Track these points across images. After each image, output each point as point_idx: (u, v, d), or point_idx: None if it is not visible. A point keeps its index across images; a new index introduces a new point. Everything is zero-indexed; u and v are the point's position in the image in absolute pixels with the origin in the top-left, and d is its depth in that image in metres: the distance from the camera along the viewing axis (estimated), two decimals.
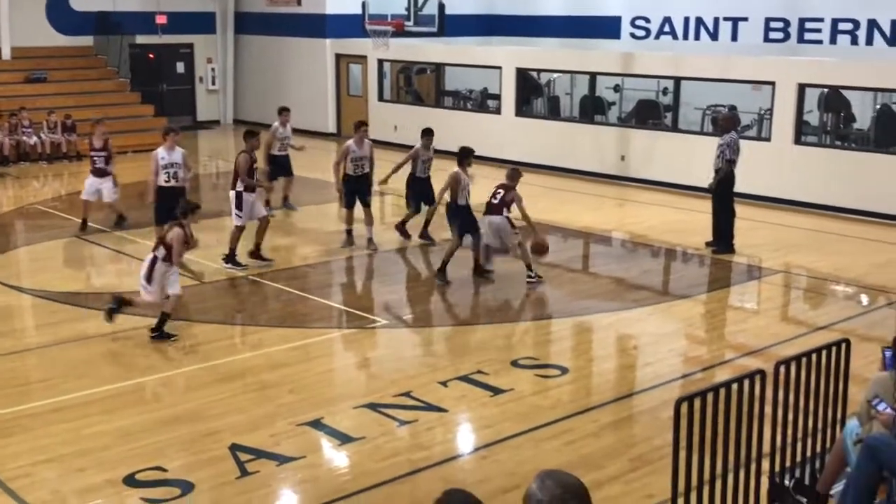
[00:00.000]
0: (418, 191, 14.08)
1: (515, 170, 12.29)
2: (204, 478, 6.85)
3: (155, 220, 12.57)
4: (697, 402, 5.15)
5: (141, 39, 25.24)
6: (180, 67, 26.86)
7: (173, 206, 10.72)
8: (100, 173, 14.65)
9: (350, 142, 13.79)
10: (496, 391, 8.52)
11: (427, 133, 14.18)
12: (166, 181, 12.62)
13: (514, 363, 9.28)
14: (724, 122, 13.95)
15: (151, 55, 25.93)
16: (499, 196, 11.94)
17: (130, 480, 6.82)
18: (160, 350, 9.73)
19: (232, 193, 12.62)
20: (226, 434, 7.58)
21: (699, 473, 5.21)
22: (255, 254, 12.80)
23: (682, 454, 5.17)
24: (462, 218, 12.14)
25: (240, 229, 12.53)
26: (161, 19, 24.83)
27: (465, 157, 12.40)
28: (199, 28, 26.52)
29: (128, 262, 13.03)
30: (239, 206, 12.51)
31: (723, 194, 13.42)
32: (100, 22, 24.69)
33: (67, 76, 23.70)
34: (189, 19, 25.92)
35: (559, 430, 7.76)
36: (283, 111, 16.38)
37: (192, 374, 9.00)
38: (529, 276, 11.95)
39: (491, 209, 11.94)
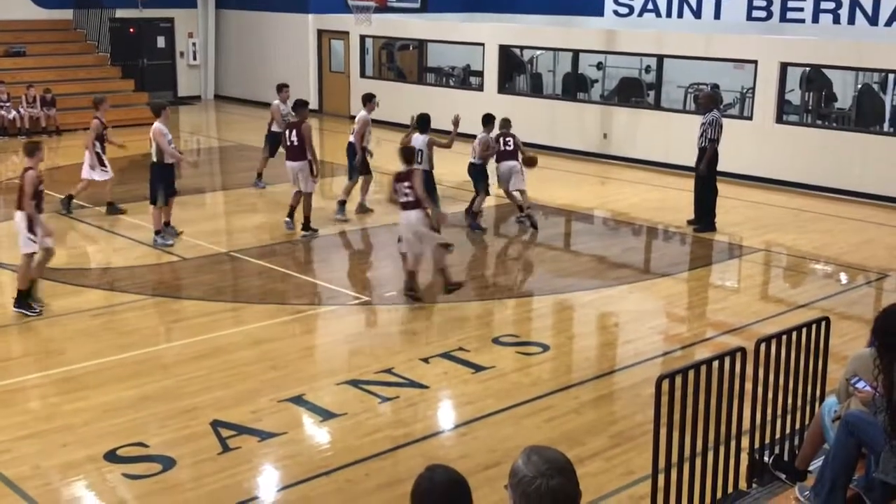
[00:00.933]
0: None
1: (507, 119, 14.02)
2: (185, 454, 6.86)
3: (162, 197, 12.49)
4: (678, 380, 5.18)
5: (121, 13, 24.96)
6: (161, 42, 26.61)
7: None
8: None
9: (366, 113, 14.24)
10: (477, 368, 8.55)
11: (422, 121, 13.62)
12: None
13: (496, 340, 9.31)
14: (705, 101, 13.99)
15: (132, 29, 25.67)
16: (510, 142, 13.65)
17: (111, 456, 6.81)
18: (141, 326, 9.70)
19: (19, 215, 9.88)
20: (207, 410, 7.57)
21: (680, 450, 5.25)
22: (306, 225, 13.06)
23: (663, 431, 5.21)
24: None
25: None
26: None
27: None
28: (180, 2, 26.25)
29: (108, 238, 12.96)
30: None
31: (713, 175, 13.47)
32: None
33: (47, 50, 23.43)
34: None
35: (540, 407, 7.80)
36: (283, 87, 16.22)
37: (173, 351, 8.98)
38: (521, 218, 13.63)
39: (508, 156, 13.64)
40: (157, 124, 12.33)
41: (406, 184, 10.24)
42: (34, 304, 9.94)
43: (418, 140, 12.74)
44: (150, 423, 7.38)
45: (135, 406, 7.67)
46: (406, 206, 10.25)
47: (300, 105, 13.43)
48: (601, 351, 9.42)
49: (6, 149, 19.45)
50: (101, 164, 13.94)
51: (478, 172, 13.87)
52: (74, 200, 14.17)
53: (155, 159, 12.40)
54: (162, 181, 12.45)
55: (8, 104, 20.63)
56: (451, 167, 18.17)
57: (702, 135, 13.33)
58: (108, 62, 24.38)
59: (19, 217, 9.86)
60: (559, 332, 9.89)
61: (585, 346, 9.53)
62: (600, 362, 9.02)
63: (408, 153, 10.82)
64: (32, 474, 6.58)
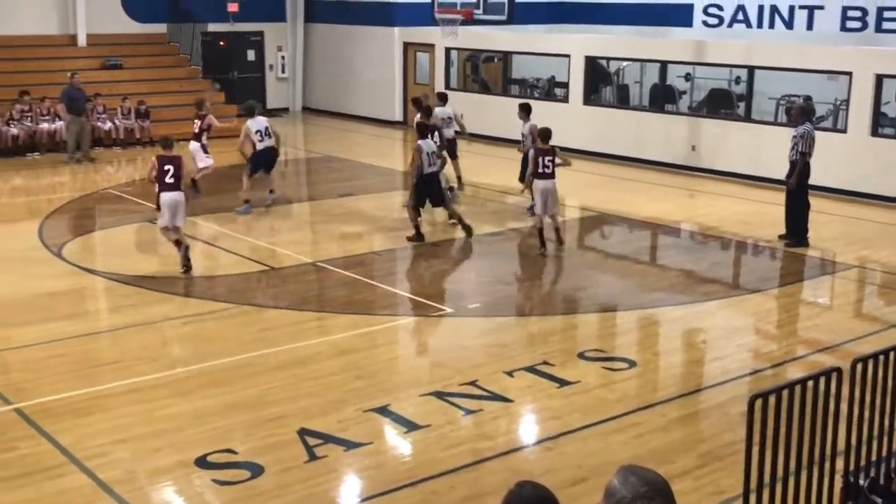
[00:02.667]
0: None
1: (546, 129, 12.90)
2: (273, 461, 6.95)
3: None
4: (772, 399, 5.05)
5: (213, 27, 25.57)
6: (251, 55, 27.15)
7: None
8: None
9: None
10: (562, 383, 8.49)
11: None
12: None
13: (581, 355, 9.23)
14: (797, 113, 13.67)
15: (223, 43, 26.26)
16: (550, 163, 12.64)
17: (202, 462, 6.95)
18: (229, 334, 9.89)
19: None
20: (294, 418, 7.67)
21: (772, 471, 5.12)
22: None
23: (755, 451, 5.08)
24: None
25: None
26: (233, 7, 25.09)
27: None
28: (270, 16, 26.77)
29: (200, 246, 13.24)
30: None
31: (797, 186, 13.16)
32: (173, 10, 25.09)
33: (141, 63, 24.12)
34: (260, 7, 26.18)
35: (626, 424, 7.70)
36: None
37: (261, 359, 9.11)
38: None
39: (546, 176, 12.64)
40: (248, 122, 15.03)
41: (549, 157, 12.49)
42: None
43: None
44: (238, 430, 7.51)
45: (224, 413, 7.82)
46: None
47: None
48: (689, 368, 9.26)
49: (102, 159, 20.05)
50: (206, 152, 15.96)
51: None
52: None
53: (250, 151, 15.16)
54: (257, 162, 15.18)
55: (104, 115, 21.26)
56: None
57: (793, 147, 13.05)
58: (199, 75, 24.98)
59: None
60: (646, 348, 9.76)
61: (673, 362, 9.38)
62: (688, 379, 8.87)
63: (544, 133, 12.62)
64: (126, 478, 6.75)
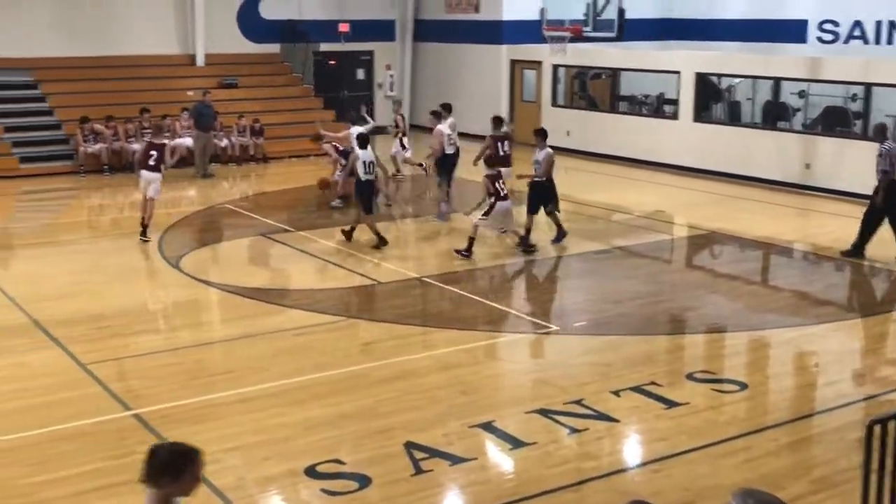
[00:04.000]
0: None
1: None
2: (380, 473, 7.04)
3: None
4: (891, 425, 4.89)
5: (324, 47, 26.15)
6: (360, 74, 27.66)
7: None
8: None
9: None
10: (670, 404, 8.36)
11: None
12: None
13: (689, 376, 9.08)
14: (875, 133, 13.71)
15: (333, 62, 26.81)
16: (503, 185, 13.38)
17: (311, 472, 7.09)
18: (337, 346, 10.07)
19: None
20: (400, 431, 7.76)
21: (891, 498, 4.95)
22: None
23: (873, 477, 4.93)
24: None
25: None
26: (344, 28, 25.63)
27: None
28: (380, 35, 27.23)
29: (309, 260, 13.52)
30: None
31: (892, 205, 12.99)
32: (287, 30, 25.73)
33: (256, 82, 24.80)
34: (370, 27, 26.66)
35: (736, 447, 7.54)
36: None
37: (368, 371, 9.24)
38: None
39: (504, 197, 13.28)
40: (440, 125, 16.17)
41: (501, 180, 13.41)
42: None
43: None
44: (346, 442, 7.63)
45: (332, 423, 7.96)
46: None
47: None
48: (801, 391, 9.01)
49: (219, 175, 20.67)
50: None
51: (545, 190, 13.94)
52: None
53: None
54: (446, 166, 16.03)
55: (221, 133, 21.93)
56: (639, 196, 18.00)
57: (878, 165, 13.09)
58: (311, 94, 25.55)
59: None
60: (756, 371, 9.53)
61: (784, 385, 9.14)
62: (800, 403, 8.63)
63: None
64: (237, 485, 6.94)
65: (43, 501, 6.70)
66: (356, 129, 15.84)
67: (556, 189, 14.14)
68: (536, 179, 13.90)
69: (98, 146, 20.59)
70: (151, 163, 14.44)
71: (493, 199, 13.30)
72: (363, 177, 13.92)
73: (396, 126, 19.78)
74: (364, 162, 13.89)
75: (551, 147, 14.28)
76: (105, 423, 8.04)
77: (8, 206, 18.43)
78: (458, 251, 13.30)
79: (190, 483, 3.96)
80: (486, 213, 13.40)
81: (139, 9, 23.93)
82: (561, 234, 14.09)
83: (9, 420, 8.07)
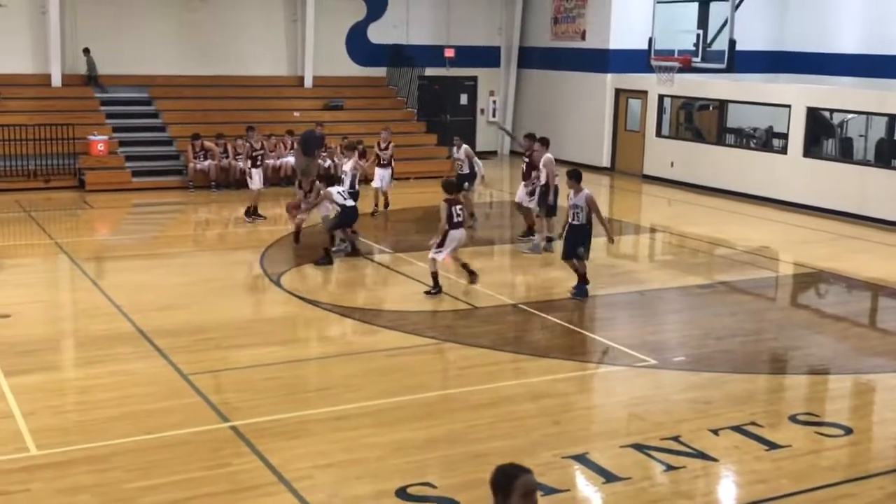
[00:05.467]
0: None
1: (450, 181, 13.58)
2: (470, 499, 6.98)
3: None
4: None
5: (429, 71, 26.42)
6: (463, 99, 27.85)
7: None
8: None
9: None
10: (771, 445, 8.10)
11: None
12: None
13: (792, 418, 8.78)
14: None
15: (436, 87, 27.06)
16: (460, 212, 12.81)
17: (402, 493, 7.08)
18: (431, 369, 10.07)
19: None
20: (492, 457, 7.63)
21: None
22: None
23: None
24: None
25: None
26: (449, 53, 25.89)
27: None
28: (484, 62, 27.40)
29: (406, 282, 13.59)
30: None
31: None
32: (393, 54, 26.13)
33: (361, 104, 25.20)
34: (475, 53, 26.86)
35: (839, 494, 7.26)
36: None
37: (460, 396, 9.21)
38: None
39: (458, 225, 12.66)
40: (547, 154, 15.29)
41: (458, 206, 12.64)
42: None
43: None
44: (437, 465, 7.61)
45: (424, 446, 7.95)
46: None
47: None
48: None
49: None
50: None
51: (584, 236, 12.72)
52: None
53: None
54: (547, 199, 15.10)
55: (325, 154, 22.29)
56: (744, 231, 17.65)
57: None
58: (414, 117, 25.82)
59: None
60: (863, 416, 9.17)
61: (892, 432, 8.74)
62: None
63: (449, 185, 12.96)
64: (329, 502, 6.97)
65: None
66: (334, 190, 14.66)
67: (591, 233, 12.86)
68: (576, 224, 12.69)
69: (207, 163, 21.19)
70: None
71: (446, 227, 12.50)
72: (347, 203, 14.23)
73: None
74: (338, 192, 14.30)
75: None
76: (203, 433, 8.20)
77: (119, 219, 19.08)
78: (427, 293, 12.66)
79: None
80: (441, 245, 12.58)
81: (252, 31, 24.65)
82: (582, 285, 12.77)
83: (113, 426, 8.31)
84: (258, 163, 18.44)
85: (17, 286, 13.21)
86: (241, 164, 20.38)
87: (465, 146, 17.63)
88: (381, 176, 18.61)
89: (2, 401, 8.79)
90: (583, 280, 12.76)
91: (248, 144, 18.68)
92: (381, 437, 8.13)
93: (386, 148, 18.79)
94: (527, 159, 15.86)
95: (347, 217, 14.38)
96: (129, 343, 10.58)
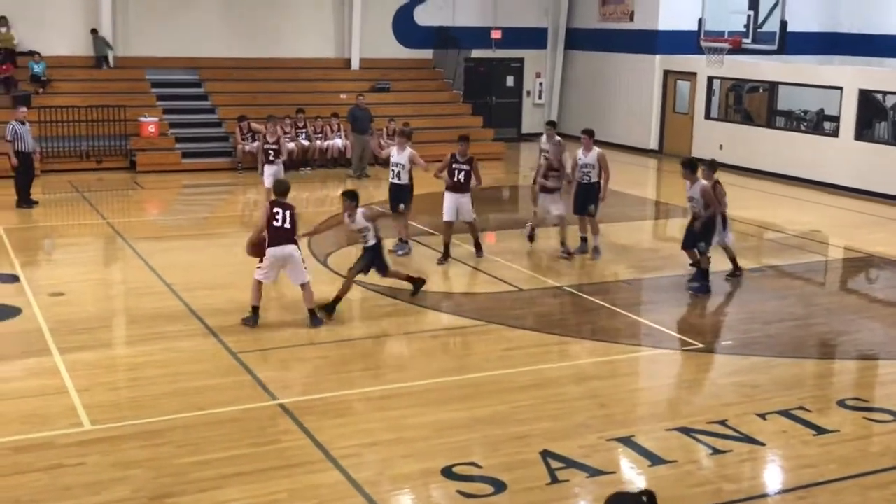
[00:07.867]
0: None
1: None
2: (515, 479, 7.03)
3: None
4: None
5: (476, 53, 26.36)
6: (509, 81, 27.73)
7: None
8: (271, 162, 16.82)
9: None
10: (819, 430, 8.04)
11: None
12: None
13: (841, 403, 8.70)
14: None
15: (482, 69, 26.99)
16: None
17: (448, 472, 7.14)
18: (477, 351, 10.11)
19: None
20: (537, 439, 7.72)
21: None
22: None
23: None
24: None
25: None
26: (496, 34, 25.79)
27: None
28: (531, 43, 27.25)
29: (452, 263, 13.59)
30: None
31: None
32: (439, 36, 26.09)
33: (408, 87, 25.22)
34: (522, 35, 26.71)
35: (888, 480, 7.20)
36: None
37: (504, 378, 9.24)
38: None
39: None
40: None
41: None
42: None
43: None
44: (482, 445, 7.66)
45: (469, 427, 8.00)
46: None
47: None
48: None
49: (373, 176, 21.07)
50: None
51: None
52: None
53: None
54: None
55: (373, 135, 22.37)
56: (794, 215, 17.45)
57: None
58: (460, 99, 25.79)
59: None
60: None
61: None
62: None
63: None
64: (375, 480, 7.06)
65: (193, 482, 6.98)
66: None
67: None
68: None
69: (255, 144, 21.35)
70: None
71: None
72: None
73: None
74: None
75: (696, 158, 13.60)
76: (251, 410, 8.33)
77: (169, 199, 19.34)
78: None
79: None
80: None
81: (300, 13, 24.75)
82: (701, 278, 12.28)
83: (163, 402, 8.47)
84: (271, 157, 16.83)
85: (71, 265, 13.48)
86: (289, 145, 20.55)
87: (596, 149, 13.79)
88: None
89: (56, 377, 8.99)
90: (702, 274, 12.26)
91: (262, 136, 17.32)
92: (425, 417, 8.19)
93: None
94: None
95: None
96: (180, 321, 10.76)
